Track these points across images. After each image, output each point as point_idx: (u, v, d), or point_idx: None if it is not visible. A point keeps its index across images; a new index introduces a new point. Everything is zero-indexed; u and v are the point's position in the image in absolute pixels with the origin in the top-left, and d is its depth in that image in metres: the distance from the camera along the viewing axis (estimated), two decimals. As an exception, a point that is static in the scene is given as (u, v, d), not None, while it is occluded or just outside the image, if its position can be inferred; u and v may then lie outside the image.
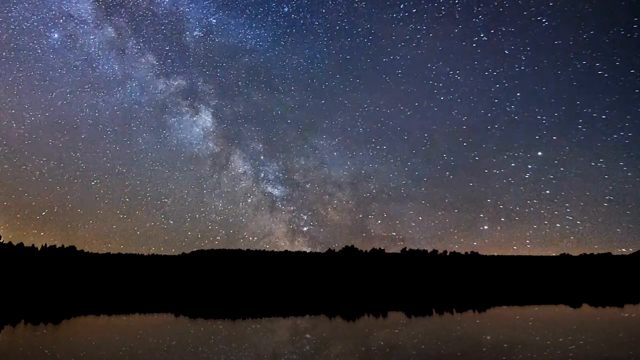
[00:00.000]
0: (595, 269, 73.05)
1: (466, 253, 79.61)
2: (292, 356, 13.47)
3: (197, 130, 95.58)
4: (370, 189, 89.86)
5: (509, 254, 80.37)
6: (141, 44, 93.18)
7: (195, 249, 79.56)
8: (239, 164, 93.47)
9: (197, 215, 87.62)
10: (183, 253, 78.34)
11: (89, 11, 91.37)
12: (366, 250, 79.47)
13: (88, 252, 71.11)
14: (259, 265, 73.79)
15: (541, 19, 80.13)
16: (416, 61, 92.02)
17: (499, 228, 79.70)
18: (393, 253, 79.87)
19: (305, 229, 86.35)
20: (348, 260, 75.53)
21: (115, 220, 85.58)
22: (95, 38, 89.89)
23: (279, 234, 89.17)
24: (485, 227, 79.69)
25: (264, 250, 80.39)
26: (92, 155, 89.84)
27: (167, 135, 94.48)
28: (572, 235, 76.08)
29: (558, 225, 75.77)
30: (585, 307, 31.77)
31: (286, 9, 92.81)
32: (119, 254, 74.47)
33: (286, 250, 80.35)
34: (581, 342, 16.06)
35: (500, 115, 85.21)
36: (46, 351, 14.19)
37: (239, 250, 79.67)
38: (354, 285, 61.80)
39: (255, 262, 75.13)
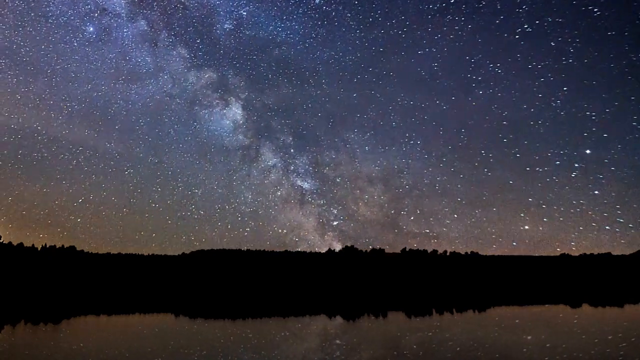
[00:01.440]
0: (595, 269, 72.97)
1: (466, 253, 79.42)
2: (291, 356, 13.46)
3: (227, 122, 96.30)
4: (403, 184, 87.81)
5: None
6: (173, 37, 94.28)
7: (196, 249, 79.64)
8: (269, 157, 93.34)
9: (226, 207, 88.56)
10: (183, 253, 78.40)
11: (123, 5, 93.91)
12: (366, 250, 79.50)
13: (88, 252, 71.20)
14: (259, 265, 73.77)
15: (593, 9, 73.91)
16: (454, 54, 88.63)
17: (540, 229, 76.05)
18: (393, 253, 79.79)
19: (335, 223, 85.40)
20: (348, 260, 75.50)
21: (148, 210, 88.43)
22: (128, 31, 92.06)
23: (308, 228, 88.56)
24: (526, 227, 75.75)
25: (264, 250, 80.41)
26: (126, 146, 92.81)
27: (198, 127, 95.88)
28: (622, 239, 71.86)
29: (607, 227, 71.02)
30: (585, 307, 31.76)
31: (317, 1, 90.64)
32: (119, 254, 74.57)
33: (286, 250, 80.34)
34: (581, 342, 16.06)
35: (544, 110, 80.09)
36: (46, 351, 14.18)
37: (239, 250, 79.66)
38: (354, 285, 61.78)
39: (256, 262, 75.11)
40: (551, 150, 77.27)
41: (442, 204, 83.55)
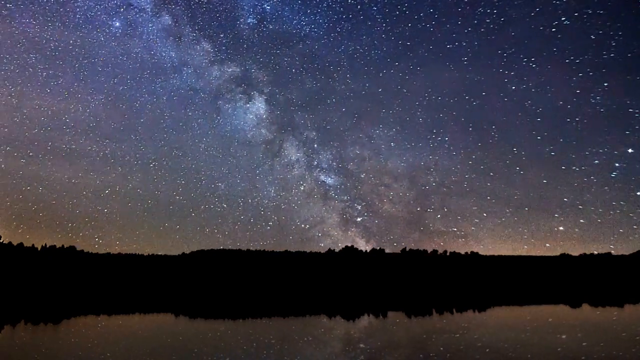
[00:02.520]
0: (595, 269, 72.94)
1: (466, 253, 79.34)
2: (291, 356, 13.46)
3: (251, 116, 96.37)
4: (430, 181, 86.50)
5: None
6: (197, 31, 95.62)
7: (195, 249, 79.66)
8: (292, 152, 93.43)
9: (249, 200, 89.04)
10: (183, 253, 78.42)
11: (148, 0, 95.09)
12: (366, 250, 79.50)
13: (88, 252, 71.20)
14: (259, 265, 73.78)
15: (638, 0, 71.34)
16: (485, 48, 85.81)
17: (577, 230, 74.31)
18: (393, 253, 79.73)
19: (359, 219, 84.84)
20: (348, 260, 75.51)
21: (171, 202, 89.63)
22: (153, 26, 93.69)
23: (331, 223, 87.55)
24: (561, 228, 74.00)
25: (264, 250, 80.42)
26: (151, 139, 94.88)
27: (221, 121, 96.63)
28: None
29: None
30: (585, 307, 31.76)
31: None
32: (119, 254, 74.62)
33: (286, 250, 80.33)
34: (581, 342, 16.05)
35: (582, 106, 76.78)
36: (46, 351, 14.18)
37: (239, 250, 79.67)
38: (354, 285, 61.78)
39: (256, 262, 75.11)
40: (589, 149, 74.57)
41: (471, 202, 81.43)
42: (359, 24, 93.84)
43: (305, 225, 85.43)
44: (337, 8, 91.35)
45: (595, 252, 76.11)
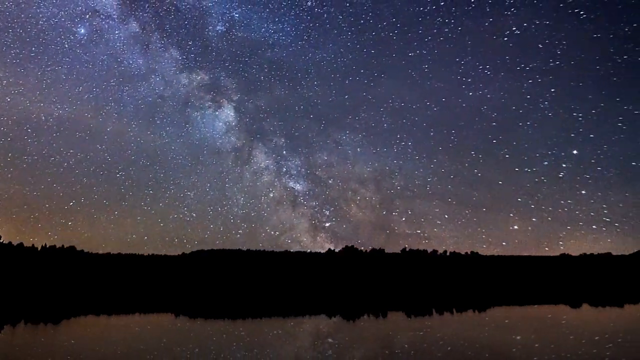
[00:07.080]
0: (595, 269, 73.02)
1: (466, 253, 79.44)
2: (291, 356, 13.46)
3: (220, 124, 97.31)
4: (395, 185, 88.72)
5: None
6: (165, 38, 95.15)
7: (195, 249, 79.65)
8: (261, 159, 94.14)
9: (219, 209, 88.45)
10: (183, 253, 78.40)
11: (114, 7, 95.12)
12: (366, 250, 79.52)
13: (88, 252, 71.16)
14: (259, 265, 73.80)
15: (579, 12, 76.38)
16: (444, 56, 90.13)
17: (529, 228, 78.01)
18: (393, 253, 79.80)
19: (327, 224, 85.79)
20: (348, 260, 75.54)
21: (139, 212, 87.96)
22: (120, 33, 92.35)
23: (300, 229, 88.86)
24: (516, 227, 77.87)
25: (264, 250, 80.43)
26: (117, 148, 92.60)
27: (190, 129, 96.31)
28: (609, 238, 74.50)
29: (594, 227, 73.69)
30: (585, 307, 31.77)
31: (309, 3, 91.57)
32: (119, 254, 74.52)
33: (286, 250, 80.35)
34: (581, 342, 16.06)
35: (532, 111, 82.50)
36: (46, 351, 14.18)
37: (239, 250, 79.68)
38: (354, 285, 61.81)
39: (256, 262, 75.13)
40: (539, 151, 79.45)
41: (433, 204, 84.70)
42: (326, 33, 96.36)
43: (275, 232, 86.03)
44: (305, 17, 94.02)
45: (595, 253, 76.59)
